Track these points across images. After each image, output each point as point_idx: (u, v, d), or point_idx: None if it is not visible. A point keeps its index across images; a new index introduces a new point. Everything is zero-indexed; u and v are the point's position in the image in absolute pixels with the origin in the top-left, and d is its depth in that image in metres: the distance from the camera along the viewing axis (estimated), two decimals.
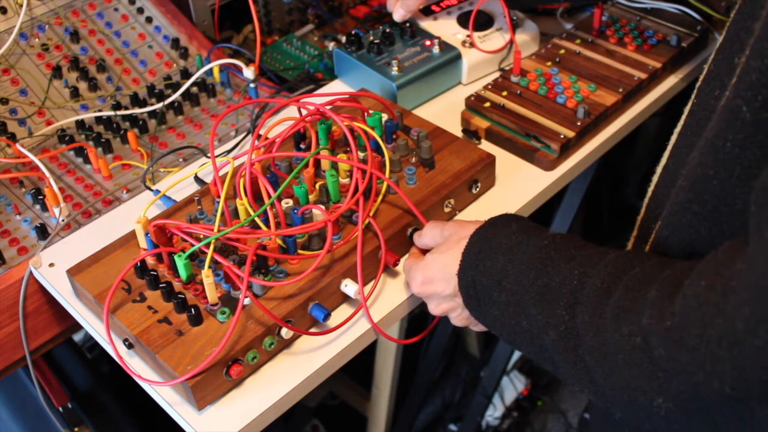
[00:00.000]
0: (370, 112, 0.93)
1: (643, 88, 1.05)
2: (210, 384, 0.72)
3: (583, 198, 1.40)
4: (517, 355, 1.87)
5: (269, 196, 0.81)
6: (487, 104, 1.01)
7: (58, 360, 1.30)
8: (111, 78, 1.10)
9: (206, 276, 0.74)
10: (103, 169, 0.98)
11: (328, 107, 0.90)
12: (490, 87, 1.04)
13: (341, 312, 0.81)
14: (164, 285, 0.78)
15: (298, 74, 1.17)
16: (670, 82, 1.09)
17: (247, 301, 0.76)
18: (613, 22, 1.14)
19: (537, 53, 1.10)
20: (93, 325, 0.82)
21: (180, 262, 0.77)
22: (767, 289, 0.49)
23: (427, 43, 1.09)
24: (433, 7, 1.15)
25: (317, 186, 0.86)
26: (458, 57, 1.08)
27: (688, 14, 1.13)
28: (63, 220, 0.92)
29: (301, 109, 0.94)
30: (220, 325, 0.75)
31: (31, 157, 0.95)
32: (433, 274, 0.76)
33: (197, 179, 0.96)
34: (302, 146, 0.92)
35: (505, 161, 0.97)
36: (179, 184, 0.96)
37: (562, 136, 0.95)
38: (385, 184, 0.86)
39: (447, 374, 1.95)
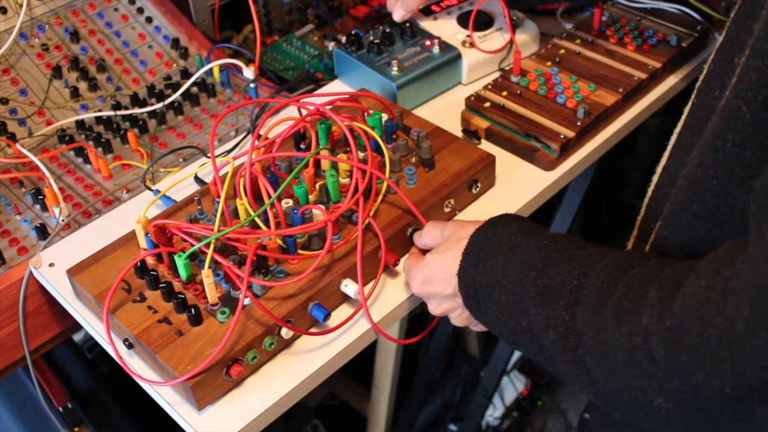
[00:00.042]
0: (370, 112, 0.93)
1: (643, 88, 1.05)
2: (210, 384, 0.72)
3: (583, 198, 1.40)
4: (517, 355, 1.86)
5: (269, 196, 0.81)
6: (487, 104, 1.01)
7: (58, 360, 1.30)
8: (111, 78, 1.10)
9: (206, 276, 0.74)
10: (103, 169, 0.98)
11: (328, 107, 0.90)
12: (490, 87, 1.04)
13: (341, 312, 0.81)
14: (164, 285, 0.78)
15: (298, 74, 1.17)
16: (670, 82, 1.09)
17: (247, 301, 0.76)
18: (613, 22, 1.14)
19: (537, 53, 1.10)
20: (93, 325, 0.82)
21: (180, 262, 0.77)
22: (767, 289, 0.49)
23: (427, 43, 1.09)
24: (433, 7, 1.15)
25: (317, 186, 0.86)
26: (458, 57, 1.08)
27: (688, 14, 1.13)
28: (63, 220, 0.92)
29: (301, 109, 0.94)
30: (220, 325, 0.75)
31: (31, 157, 0.95)
32: (433, 274, 0.76)
33: (197, 179, 0.96)
34: (302, 146, 0.92)
35: (505, 161, 0.97)
36: (179, 184, 0.96)
37: (562, 136, 0.95)
38: (385, 184, 0.86)
39: (447, 374, 1.95)
